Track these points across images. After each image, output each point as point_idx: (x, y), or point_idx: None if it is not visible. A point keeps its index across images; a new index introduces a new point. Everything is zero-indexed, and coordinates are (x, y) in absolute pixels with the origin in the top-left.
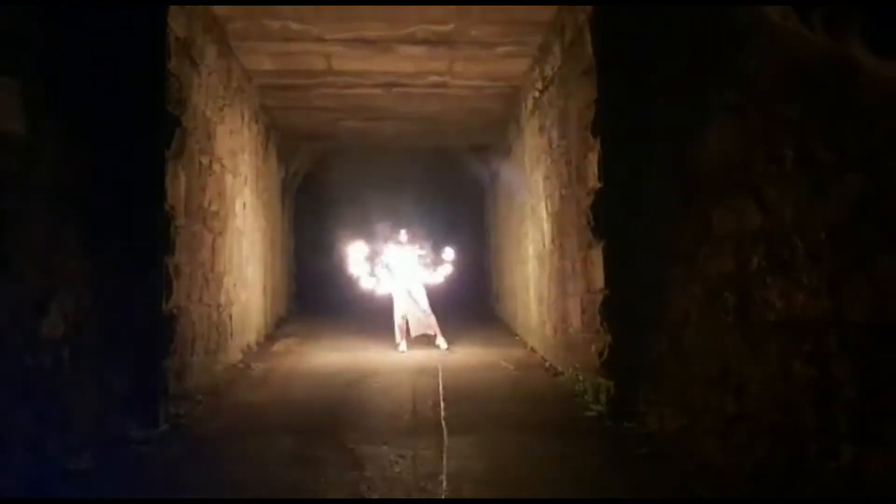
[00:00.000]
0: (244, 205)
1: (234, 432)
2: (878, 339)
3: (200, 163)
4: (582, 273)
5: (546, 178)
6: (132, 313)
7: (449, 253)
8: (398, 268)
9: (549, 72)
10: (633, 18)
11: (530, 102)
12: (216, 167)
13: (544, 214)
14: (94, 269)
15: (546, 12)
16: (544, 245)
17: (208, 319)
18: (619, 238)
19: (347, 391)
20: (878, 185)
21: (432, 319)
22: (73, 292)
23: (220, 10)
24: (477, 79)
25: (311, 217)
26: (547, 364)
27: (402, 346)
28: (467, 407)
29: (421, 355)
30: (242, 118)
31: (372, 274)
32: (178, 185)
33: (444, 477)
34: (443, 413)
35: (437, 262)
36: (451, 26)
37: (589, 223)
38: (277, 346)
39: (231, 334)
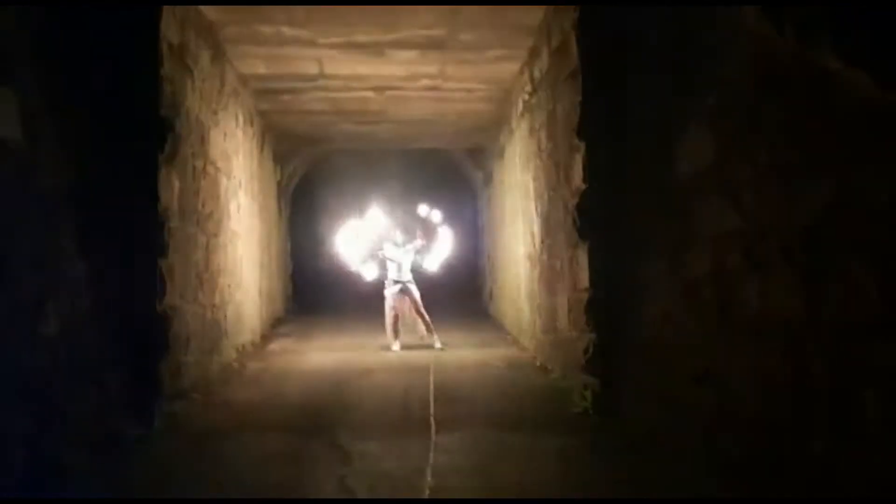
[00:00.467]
0: (239, 207)
1: (228, 430)
2: (848, 337)
3: (194, 166)
4: (569, 272)
5: (536, 179)
6: (127, 314)
7: (436, 216)
8: (393, 266)
9: (537, 75)
10: (616, 24)
11: (520, 105)
12: (210, 170)
13: (534, 215)
14: (90, 271)
15: (534, 17)
16: (534, 245)
17: (203, 319)
18: (603, 238)
19: (340, 390)
20: (847, 187)
21: (426, 318)
22: (69, 293)
23: (213, 15)
24: (468, 82)
25: (307, 218)
26: (537, 362)
27: (396, 345)
28: (457, 405)
29: (414, 355)
30: (237, 122)
31: (365, 259)
32: (171, 189)
33: (429, 470)
34: (432, 410)
35: (429, 238)
36: (440, 31)
37: (574, 223)
38: (273, 346)
39: (226, 334)
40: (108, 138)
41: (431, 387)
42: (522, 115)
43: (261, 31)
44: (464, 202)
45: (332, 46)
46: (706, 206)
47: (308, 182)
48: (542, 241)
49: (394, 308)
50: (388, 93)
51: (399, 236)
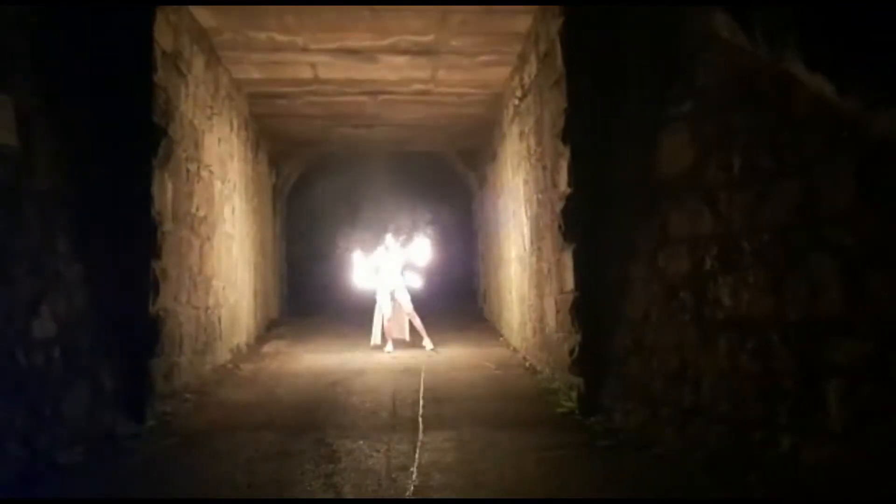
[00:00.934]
0: (234, 210)
1: (219, 429)
2: (813, 335)
3: (188, 170)
4: (556, 274)
5: (525, 182)
6: (121, 315)
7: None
8: (384, 270)
9: (527, 80)
10: (601, 33)
11: (511, 109)
12: (204, 174)
13: (524, 218)
14: (84, 273)
15: (522, 24)
16: (525, 247)
17: (196, 321)
18: (588, 241)
19: (331, 390)
20: (812, 190)
21: (417, 321)
22: (64, 294)
23: (207, 22)
24: (460, 86)
25: (302, 221)
26: (527, 363)
27: (388, 346)
28: (445, 405)
29: (406, 356)
30: (231, 126)
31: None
32: (164, 192)
33: (415, 468)
34: (420, 410)
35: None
36: (431, 37)
37: (560, 227)
38: (267, 348)
39: (220, 336)
40: (102, 143)
41: (421, 387)
42: (513, 119)
43: (254, 38)
44: (459, 204)
45: (325, 52)
46: (684, 209)
47: (303, 185)
48: (532, 244)
49: (384, 311)
50: (382, 97)
51: (390, 239)
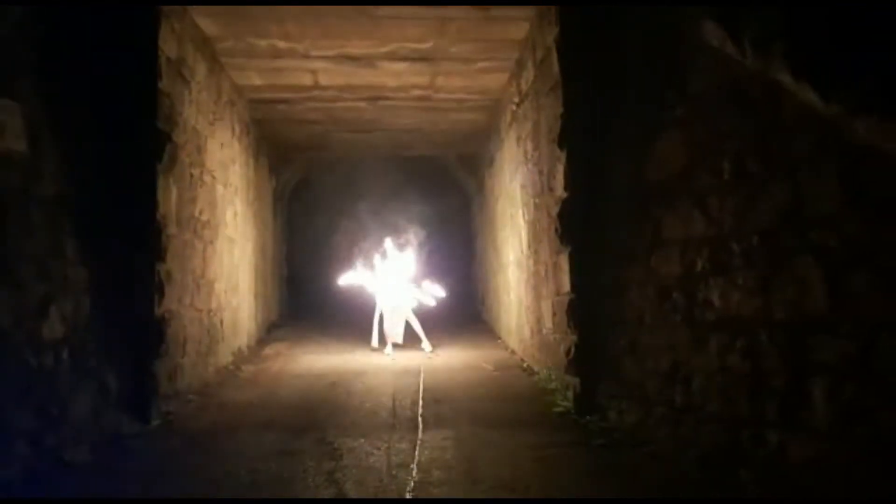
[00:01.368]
0: (235, 214)
1: (222, 428)
2: (799, 335)
3: (191, 174)
4: (553, 277)
5: (523, 186)
6: (126, 317)
7: (432, 289)
8: (383, 275)
9: (524, 86)
10: (596, 40)
11: (509, 115)
12: (207, 178)
13: (522, 222)
14: (91, 276)
15: (519, 31)
16: (522, 251)
17: (199, 323)
18: (583, 244)
19: (332, 391)
20: (799, 193)
21: (416, 324)
22: (71, 297)
23: (210, 30)
24: (458, 92)
25: (302, 224)
26: (524, 365)
27: (388, 349)
28: (444, 405)
29: (406, 358)
30: (233, 131)
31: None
32: (169, 196)
33: (414, 465)
34: (420, 410)
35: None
36: (430, 44)
37: (557, 230)
38: (268, 350)
39: (222, 338)
40: (108, 148)
41: (421, 388)
42: (511, 124)
43: (256, 45)
44: (457, 208)
45: (326, 59)
46: (676, 212)
47: (303, 189)
48: (529, 247)
49: (383, 314)
50: (381, 102)
51: (390, 245)
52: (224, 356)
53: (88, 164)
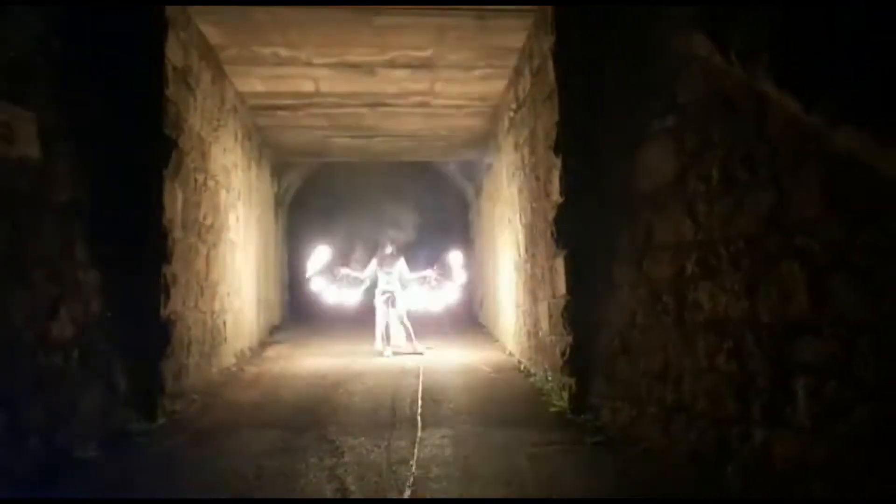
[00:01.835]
0: (238, 218)
1: (226, 426)
2: (783, 336)
3: (196, 180)
4: (549, 280)
5: (520, 191)
6: (134, 318)
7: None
8: (382, 277)
9: (521, 93)
10: (591, 50)
11: (507, 121)
12: (210, 183)
13: (519, 226)
14: (100, 279)
15: (517, 40)
16: (520, 254)
17: (203, 325)
18: (579, 248)
19: (332, 391)
20: (783, 199)
21: (408, 325)
22: (81, 299)
23: (215, 39)
24: (457, 98)
25: (303, 228)
26: (522, 366)
27: (388, 351)
28: (443, 405)
29: (405, 360)
30: (236, 137)
31: (333, 281)
32: (174, 201)
33: (414, 462)
34: (419, 410)
35: (444, 278)
36: (429, 52)
37: (552, 234)
38: (269, 352)
39: (225, 339)
40: (116, 154)
41: (420, 389)
42: (509, 130)
43: (259, 53)
44: (456, 213)
45: (327, 66)
46: (667, 217)
47: (304, 193)
48: (527, 251)
49: (384, 316)
50: (381, 109)
51: (389, 247)
52: (227, 357)
53: (98, 170)
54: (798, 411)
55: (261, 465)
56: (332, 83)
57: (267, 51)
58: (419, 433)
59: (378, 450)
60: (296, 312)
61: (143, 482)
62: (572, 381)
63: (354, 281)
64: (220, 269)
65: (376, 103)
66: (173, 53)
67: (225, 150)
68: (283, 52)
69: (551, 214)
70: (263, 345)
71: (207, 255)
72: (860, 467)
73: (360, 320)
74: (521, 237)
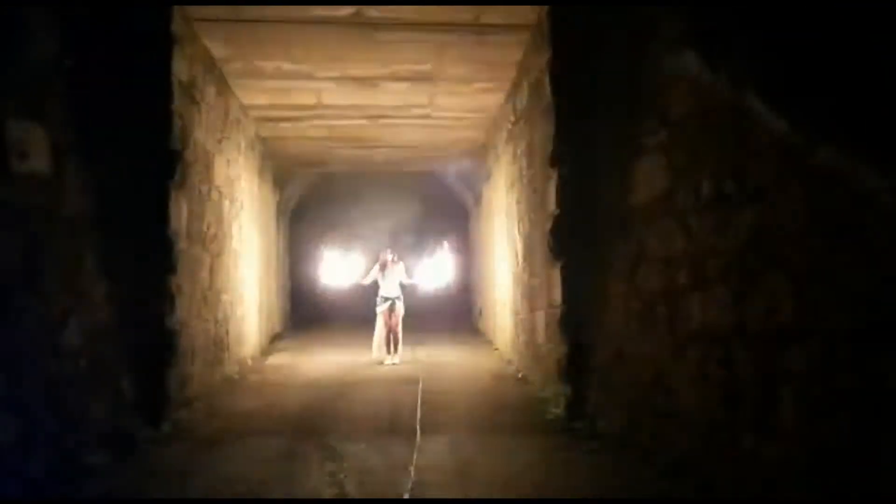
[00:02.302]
0: (240, 228)
1: (230, 433)
2: (770, 345)
3: (200, 191)
4: (546, 290)
5: (518, 202)
6: (141, 328)
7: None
8: (383, 283)
9: (519, 106)
10: (586, 66)
11: (505, 133)
12: (214, 194)
13: (517, 235)
14: (108, 290)
15: (514, 54)
16: (517, 264)
17: (207, 334)
18: (574, 258)
19: (333, 399)
20: (768, 213)
21: (398, 336)
22: (90, 309)
23: (219, 53)
24: (457, 111)
25: (305, 238)
26: (519, 374)
27: (388, 359)
28: (441, 412)
29: (404, 368)
30: (239, 148)
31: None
32: (180, 213)
33: (412, 468)
34: (418, 416)
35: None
36: (429, 66)
37: (549, 245)
38: (271, 360)
39: (228, 347)
40: (124, 167)
41: (419, 397)
42: (507, 141)
43: (263, 67)
44: (455, 223)
45: (329, 80)
46: (659, 230)
47: (306, 203)
48: (524, 261)
49: (386, 324)
50: (382, 121)
51: (389, 255)
52: (230, 366)
53: (106, 183)
54: (784, 417)
55: (265, 469)
56: (335, 96)
57: (270, 65)
58: (418, 440)
59: (378, 456)
60: (298, 321)
61: (151, 486)
62: (568, 388)
63: (358, 287)
64: (224, 279)
65: (377, 115)
66: (179, 68)
67: (229, 161)
68: (287, 65)
69: (548, 225)
70: (266, 353)
71: (211, 265)
72: (840, 468)
73: (360, 327)
74: (519, 247)
